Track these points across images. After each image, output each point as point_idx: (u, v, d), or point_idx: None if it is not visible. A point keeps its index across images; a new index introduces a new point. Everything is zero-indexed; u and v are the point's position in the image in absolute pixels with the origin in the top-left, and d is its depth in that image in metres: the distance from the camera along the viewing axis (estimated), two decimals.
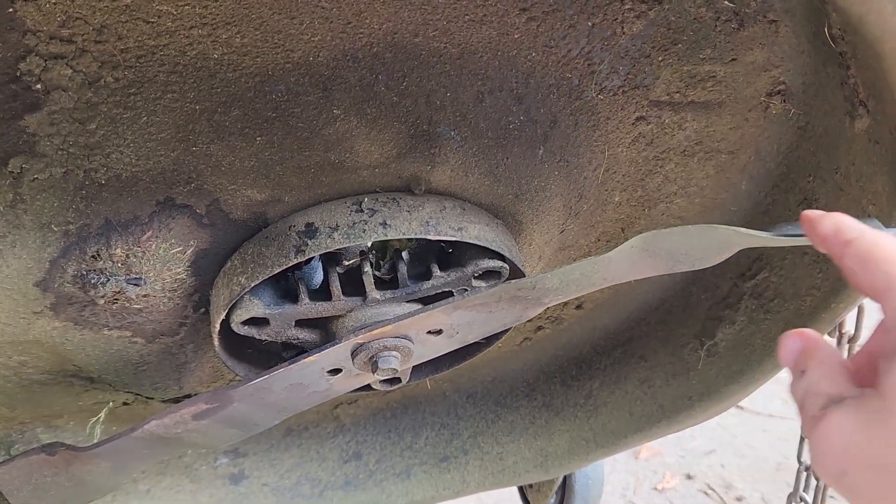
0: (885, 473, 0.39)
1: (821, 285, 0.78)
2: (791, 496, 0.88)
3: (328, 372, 0.66)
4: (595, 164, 0.72)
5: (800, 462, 0.88)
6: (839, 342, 0.80)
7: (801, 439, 0.87)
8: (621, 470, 2.64)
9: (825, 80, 0.66)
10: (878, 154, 0.62)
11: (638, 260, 0.59)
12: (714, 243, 0.58)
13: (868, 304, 0.78)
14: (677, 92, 0.69)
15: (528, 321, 0.97)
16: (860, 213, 0.69)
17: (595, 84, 0.66)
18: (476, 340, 0.70)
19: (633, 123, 0.71)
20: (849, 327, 0.81)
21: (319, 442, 1.04)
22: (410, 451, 1.05)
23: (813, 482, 0.86)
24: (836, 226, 0.46)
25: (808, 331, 0.52)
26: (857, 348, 0.80)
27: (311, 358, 0.63)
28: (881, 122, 0.59)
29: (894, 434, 0.40)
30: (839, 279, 0.75)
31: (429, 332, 0.65)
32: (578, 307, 0.97)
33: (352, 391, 0.72)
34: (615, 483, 2.57)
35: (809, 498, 0.86)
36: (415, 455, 1.05)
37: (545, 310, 0.96)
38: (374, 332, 0.62)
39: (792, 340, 0.51)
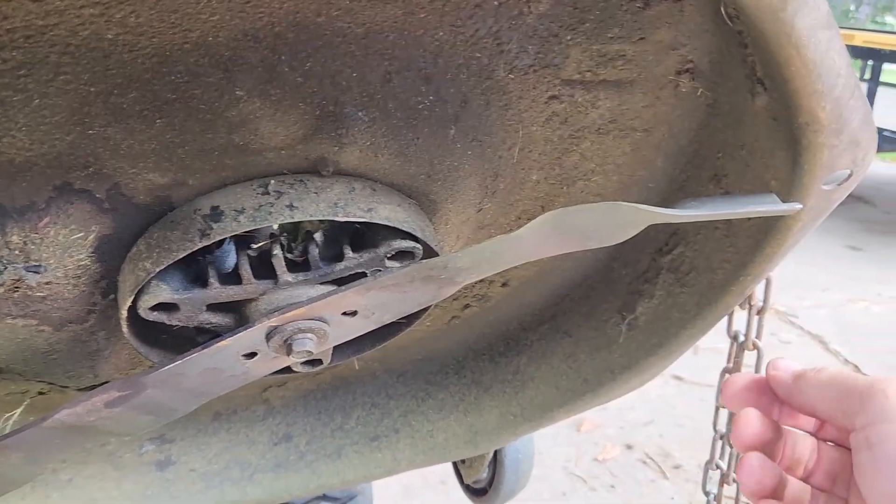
0: None
1: (731, 258, 0.80)
2: (707, 464, 0.91)
3: (244, 356, 0.65)
4: (509, 143, 0.73)
5: (715, 431, 0.91)
6: (749, 314, 0.83)
7: (717, 409, 0.90)
8: (563, 443, 2.70)
9: (729, 58, 0.67)
10: (777, 130, 0.64)
11: (549, 237, 0.60)
12: (620, 220, 0.59)
13: (775, 274, 0.81)
14: (588, 71, 0.70)
15: (455, 300, 0.98)
16: (764, 188, 0.71)
17: (505, 63, 0.66)
18: (394, 320, 0.70)
19: (545, 102, 0.71)
20: (758, 299, 0.83)
21: (249, 425, 1.03)
22: (341, 431, 1.06)
23: (728, 449, 0.89)
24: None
25: None
26: (765, 319, 0.83)
27: (223, 342, 0.62)
28: (777, 100, 0.61)
29: None
30: (748, 252, 0.77)
31: (344, 314, 0.65)
32: (504, 285, 0.98)
33: (273, 374, 0.72)
34: (557, 456, 2.62)
35: (724, 464, 0.89)
36: (346, 435, 1.05)
37: (472, 288, 0.97)
38: (287, 314, 0.61)
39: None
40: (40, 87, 0.54)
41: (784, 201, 0.63)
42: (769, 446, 0.54)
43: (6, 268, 0.59)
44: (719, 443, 0.89)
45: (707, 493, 0.92)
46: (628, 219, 0.59)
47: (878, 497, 0.43)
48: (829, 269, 4.47)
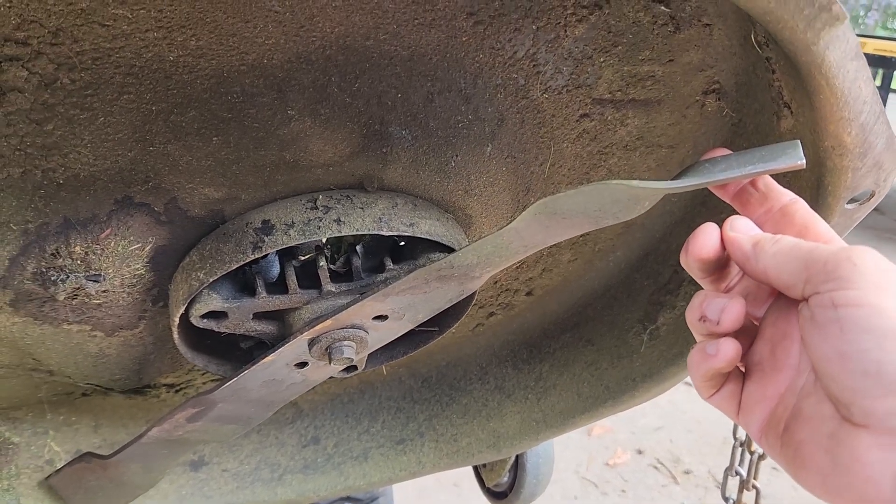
0: None
1: None
2: (727, 470, 0.93)
3: (295, 366, 0.68)
4: (541, 159, 0.76)
5: (735, 438, 0.93)
6: None
7: None
8: (574, 447, 2.72)
9: (755, 81, 0.70)
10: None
11: (551, 224, 0.58)
12: (616, 197, 0.56)
13: None
14: (619, 90, 0.73)
15: (481, 308, 1.00)
16: None
17: (540, 84, 0.69)
18: (428, 318, 0.70)
19: (577, 120, 0.74)
20: None
21: (278, 428, 1.06)
22: (367, 434, 1.08)
23: (748, 457, 0.91)
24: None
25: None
26: None
27: (267, 359, 0.65)
28: (803, 124, 0.63)
29: None
30: None
31: (375, 319, 0.67)
32: (529, 294, 1.00)
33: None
34: (569, 460, 2.64)
35: (744, 471, 0.92)
36: (372, 438, 1.08)
37: (497, 297, 1.00)
38: (317, 327, 0.64)
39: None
40: (105, 105, 0.57)
41: None
42: (716, 261, 0.55)
43: (68, 277, 0.62)
44: (739, 450, 0.91)
45: (726, 499, 0.94)
46: (623, 195, 0.56)
47: (833, 355, 0.45)
48: None
